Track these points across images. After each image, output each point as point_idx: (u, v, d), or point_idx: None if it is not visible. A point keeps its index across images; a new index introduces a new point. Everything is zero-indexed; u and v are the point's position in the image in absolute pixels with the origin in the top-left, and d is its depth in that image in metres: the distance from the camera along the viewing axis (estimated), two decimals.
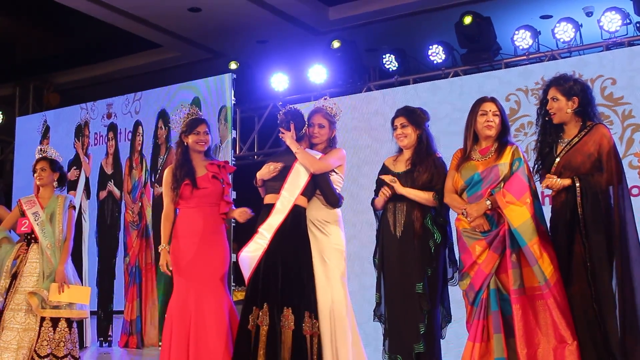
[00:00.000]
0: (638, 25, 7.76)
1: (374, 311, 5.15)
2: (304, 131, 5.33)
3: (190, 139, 5.48)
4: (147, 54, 11.25)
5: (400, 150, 5.28)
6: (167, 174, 5.50)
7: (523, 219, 4.61)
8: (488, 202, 4.73)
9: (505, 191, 4.68)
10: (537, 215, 4.68)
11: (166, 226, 5.43)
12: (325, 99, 5.63)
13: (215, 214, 5.41)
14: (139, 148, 9.80)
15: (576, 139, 4.73)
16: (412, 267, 4.95)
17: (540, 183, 4.80)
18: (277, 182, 5.20)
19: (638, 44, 7.56)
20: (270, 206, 5.16)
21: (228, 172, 5.57)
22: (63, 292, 6.06)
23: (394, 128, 5.23)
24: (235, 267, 5.75)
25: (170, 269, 5.35)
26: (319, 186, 5.22)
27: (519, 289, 4.62)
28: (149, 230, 9.42)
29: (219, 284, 5.31)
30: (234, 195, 7.70)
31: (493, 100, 4.98)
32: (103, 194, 9.97)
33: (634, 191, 7.03)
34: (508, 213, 4.63)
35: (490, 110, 4.91)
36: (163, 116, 9.61)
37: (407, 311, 4.92)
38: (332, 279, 5.12)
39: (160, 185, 9.38)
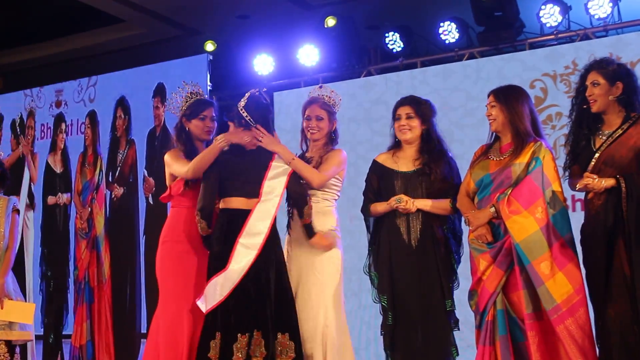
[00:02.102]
0: None
1: (384, 335, 5.16)
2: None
3: (194, 125, 5.46)
4: (105, 30, 11.20)
5: (397, 146, 5.30)
6: (172, 152, 5.42)
7: (528, 233, 4.63)
8: (492, 210, 4.77)
9: (511, 198, 4.70)
10: (557, 224, 4.68)
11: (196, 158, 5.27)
12: (320, 86, 5.67)
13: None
14: (93, 143, 9.78)
15: (620, 131, 4.75)
16: (435, 282, 4.99)
17: (571, 183, 4.81)
18: (239, 182, 5.15)
19: None
20: (242, 212, 5.11)
21: None
22: (2, 308, 6.05)
23: (397, 118, 5.26)
24: None
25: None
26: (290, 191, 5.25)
27: (534, 313, 4.64)
28: (99, 243, 9.40)
29: None
30: None
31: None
32: (52, 198, 9.96)
33: None
34: (510, 225, 4.66)
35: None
36: (122, 104, 9.62)
37: (435, 334, 4.97)
38: (324, 297, 5.15)
39: (121, 185, 9.45)
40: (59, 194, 9.95)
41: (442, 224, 5.11)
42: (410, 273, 5.05)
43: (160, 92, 9.38)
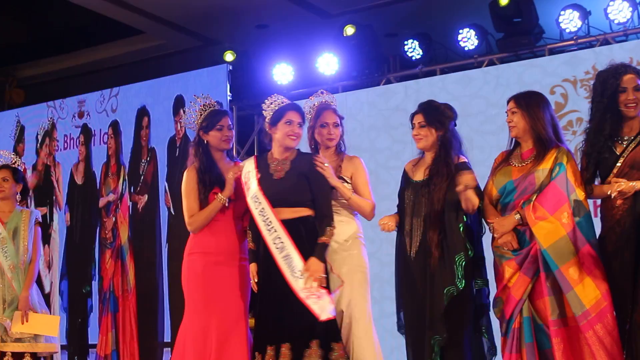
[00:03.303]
0: None
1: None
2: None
3: (212, 136, 5.43)
4: (126, 42, 11.27)
5: (422, 153, 5.27)
6: (190, 177, 5.41)
7: (555, 238, 4.59)
8: (517, 216, 4.73)
9: (537, 204, 4.66)
10: (583, 229, 4.64)
11: (202, 212, 5.35)
12: (322, 92, 5.67)
13: (240, 230, 5.39)
14: (116, 153, 9.81)
15: None
16: (435, 286, 4.94)
17: (593, 188, 4.76)
18: (283, 194, 5.17)
19: None
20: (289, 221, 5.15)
21: None
22: (27, 321, 6.06)
23: (412, 126, 5.23)
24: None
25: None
26: (319, 200, 5.21)
27: (559, 319, 4.61)
28: (123, 252, 9.42)
29: (244, 316, 5.31)
30: None
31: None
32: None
33: None
34: (537, 231, 4.62)
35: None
36: (147, 113, 9.62)
37: (422, 339, 4.93)
38: (351, 306, 5.18)
39: (143, 194, 9.47)
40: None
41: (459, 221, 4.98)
42: (411, 283, 5.03)
43: (180, 103, 9.37)
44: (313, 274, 4.97)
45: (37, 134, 10.53)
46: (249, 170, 5.26)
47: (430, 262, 4.92)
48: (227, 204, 5.26)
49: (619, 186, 4.52)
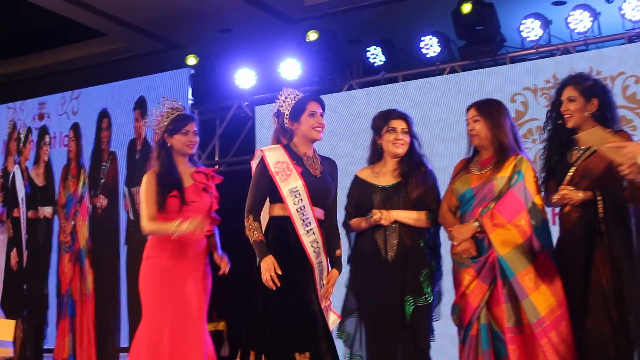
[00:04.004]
0: None
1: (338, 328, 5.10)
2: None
3: (177, 140, 5.40)
4: (87, 44, 11.14)
5: (378, 158, 5.23)
6: (149, 179, 5.36)
7: (512, 246, 4.62)
8: (476, 224, 4.75)
9: (495, 212, 4.69)
10: (540, 237, 4.68)
11: (159, 224, 5.23)
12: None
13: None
14: (77, 155, 9.71)
15: (592, 149, 4.72)
16: (400, 297, 4.93)
17: (546, 198, 4.79)
18: (322, 194, 4.94)
19: None
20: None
21: (216, 182, 5.52)
22: None
23: (391, 130, 5.16)
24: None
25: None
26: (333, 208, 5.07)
27: (516, 326, 4.63)
28: (82, 256, 9.33)
29: (200, 319, 5.27)
30: None
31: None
32: (33, 212, 9.88)
33: None
34: (494, 238, 4.64)
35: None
36: (107, 115, 9.54)
37: (394, 347, 4.90)
38: None
39: (103, 197, 9.38)
40: (40, 207, 9.87)
41: (419, 237, 5.04)
42: (388, 287, 4.96)
43: (141, 105, 9.36)
44: (333, 286, 4.86)
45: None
46: (281, 160, 4.86)
47: (410, 263, 4.95)
48: (175, 237, 5.14)
49: (563, 193, 4.63)
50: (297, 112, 4.91)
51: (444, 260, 5.14)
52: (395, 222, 5.01)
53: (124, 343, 8.89)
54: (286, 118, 4.95)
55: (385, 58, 8.82)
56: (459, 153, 5.34)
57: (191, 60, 9.64)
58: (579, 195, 4.60)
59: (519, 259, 4.59)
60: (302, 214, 4.76)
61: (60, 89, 10.20)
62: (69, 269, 9.43)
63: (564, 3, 9.01)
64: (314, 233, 4.76)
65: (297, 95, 4.98)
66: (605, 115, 4.80)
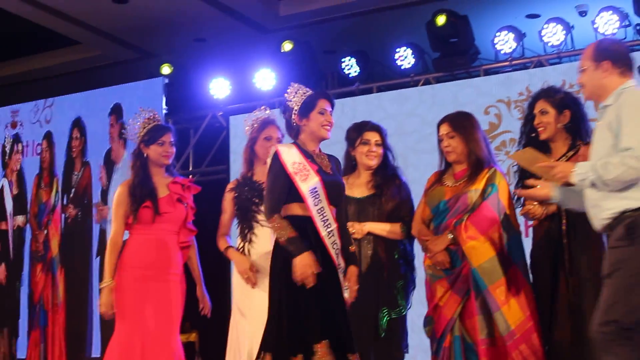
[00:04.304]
0: (638, 27, 7.83)
1: None
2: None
3: (153, 150, 5.38)
4: (61, 52, 11.10)
5: (352, 170, 5.23)
6: (121, 191, 5.35)
7: (485, 258, 4.63)
8: (450, 236, 4.77)
9: (468, 224, 4.70)
10: (512, 250, 4.70)
11: (112, 256, 5.26)
12: (264, 108, 5.61)
13: (174, 245, 5.33)
14: (50, 164, 9.65)
15: (564, 159, 4.77)
16: (374, 308, 4.94)
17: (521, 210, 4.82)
18: (337, 193, 4.72)
19: (638, 49, 7.63)
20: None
21: (192, 193, 5.51)
22: None
23: (365, 142, 5.18)
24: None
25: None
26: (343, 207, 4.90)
27: (488, 338, 4.64)
28: (54, 265, 9.26)
29: (173, 332, 5.24)
30: None
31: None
32: (2, 224, 9.82)
33: None
34: (468, 250, 4.66)
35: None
36: (78, 124, 9.51)
37: (369, 358, 4.90)
38: None
39: (76, 206, 9.32)
40: (13, 216, 9.80)
41: (393, 248, 5.03)
42: (362, 299, 4.87)
43: (116, 111, 9.29)
44: (356, 283, 4.62)
45: None
46: (296, 160, 4.61)
47: (385, 275, 4.97)
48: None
49: (528, 208, 4.69)
50: (307, 108, 4.70)
51: (417, 272, 5.15)
52: (369, 234, 5.01)
53: (95, 353, 8.82)
54: (295, 113, 4.72)
55: (360, 69, 8.82)
56: (433, 165, 5.34)
57: (166, 69, 9.61)
58: (542, 209, 4.66)
59: (492, 271, 4.60)
60: (322, 214, 4.53)
61: (34, 97, 10.14)
62: (40, 278, 9.37)
63: (537, 16, 9.07)
64: (333, 235, 4.54)
65: (307, 91, 4.81)
66: (579, 126, 4.84)
